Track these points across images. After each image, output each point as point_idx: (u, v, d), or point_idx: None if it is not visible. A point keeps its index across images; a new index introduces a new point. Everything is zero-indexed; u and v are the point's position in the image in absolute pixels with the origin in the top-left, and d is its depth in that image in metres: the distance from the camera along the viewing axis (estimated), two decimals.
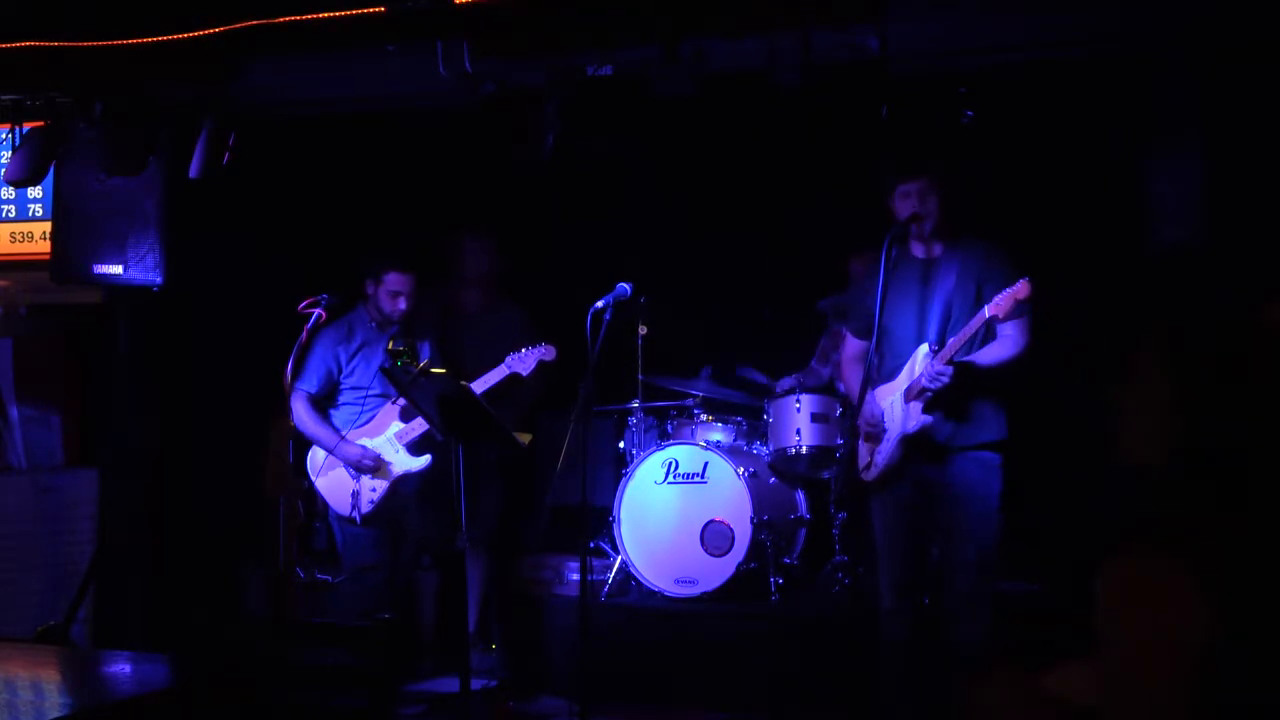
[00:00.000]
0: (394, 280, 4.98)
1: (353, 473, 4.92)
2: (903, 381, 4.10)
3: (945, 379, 3.93)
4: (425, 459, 4.93)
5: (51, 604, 5.64)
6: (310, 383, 4.98)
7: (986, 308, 3.88)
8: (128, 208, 5.08)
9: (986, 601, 4.07)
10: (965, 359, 3.99)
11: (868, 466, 4.22)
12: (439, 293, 5.49)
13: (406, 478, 4.93)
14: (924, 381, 3.97)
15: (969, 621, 4.02)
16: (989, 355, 4.03)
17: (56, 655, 3.60)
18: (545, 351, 4.98)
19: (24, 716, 2.39)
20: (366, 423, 4.99)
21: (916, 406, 4.03)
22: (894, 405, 4.12)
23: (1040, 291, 3.89)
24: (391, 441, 4.94)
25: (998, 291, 3.89)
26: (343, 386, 5.05)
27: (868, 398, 4.16)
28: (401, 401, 4.94)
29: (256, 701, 2.80)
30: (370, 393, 5.01)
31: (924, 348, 4.05)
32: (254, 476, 4.57)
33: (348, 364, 5.03)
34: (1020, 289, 3.82)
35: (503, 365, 4.93)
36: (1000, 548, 4.11)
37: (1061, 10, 4.37)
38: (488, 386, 4.87)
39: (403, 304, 4.98)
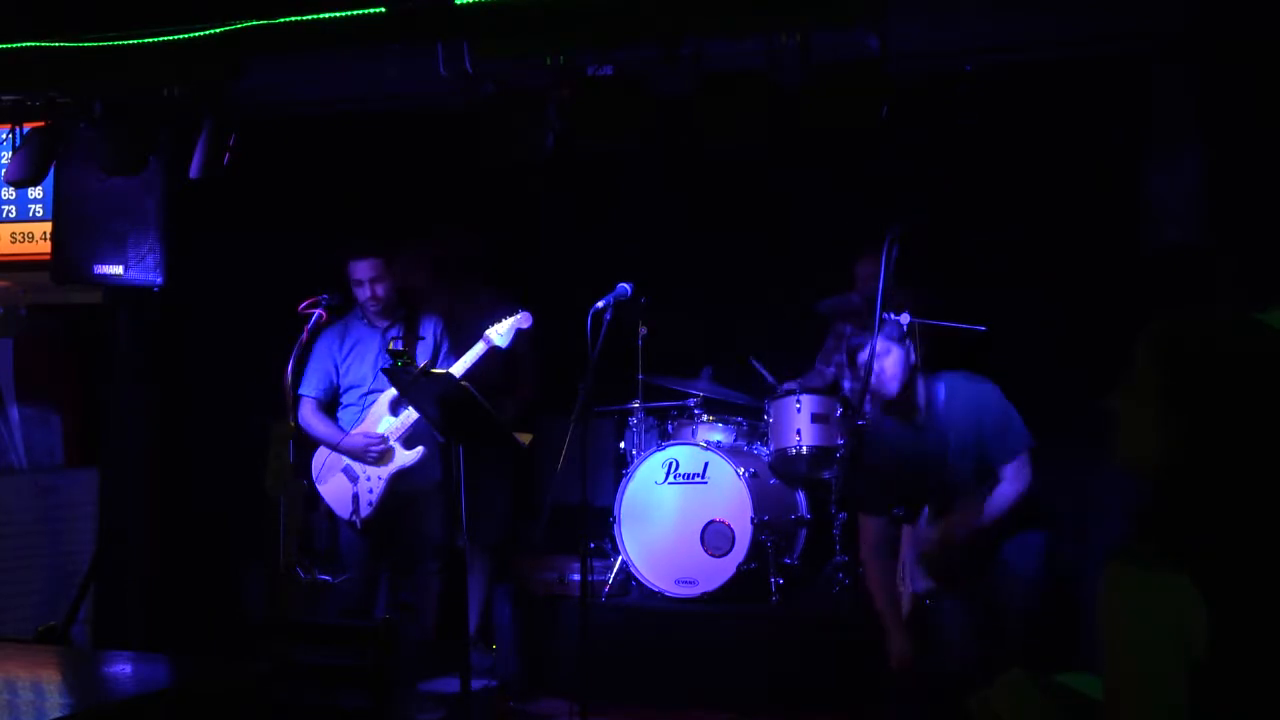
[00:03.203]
0: (353, 269, 4.90)
1: (351, 473, 4.92)
2: (916, 536, 4.07)
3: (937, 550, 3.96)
4: (419, 450, 4.92)
5: (51, 604, 5.65)
6: (311, 387, 4.98)
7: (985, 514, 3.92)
8: (128, 208, 5.09)
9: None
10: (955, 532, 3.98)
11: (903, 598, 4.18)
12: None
13: (403, 474, 4.92)
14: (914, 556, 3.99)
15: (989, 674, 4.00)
16: (992, 509, 4.00)
17: (56, 655, 3.60)
18: (522, 319, 4.86)
19: (24, 716, 2.39)
20: (360, 422, 4.99)
21: (921, 570, 4.01)
22: (908, 559, 4.09)
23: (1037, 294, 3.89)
24: (384, 437, 4.93)
25: (1000, 449, 3.95)
26: (342, 388, 5.04)
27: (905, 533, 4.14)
28: (391, 397, 4.93)
29: (256, 701, 2.81)
30: (365, 391, 5.00)
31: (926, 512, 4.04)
32: (254, 476, 4.57)
33: (343, 364, 5.01)
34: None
35: (480, 341, 4.83)
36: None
37: (1061, 10, 4.37)
38: (469, 366, 4.79)
39: (367, 291, 4.88)
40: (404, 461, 4.91)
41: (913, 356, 4.06)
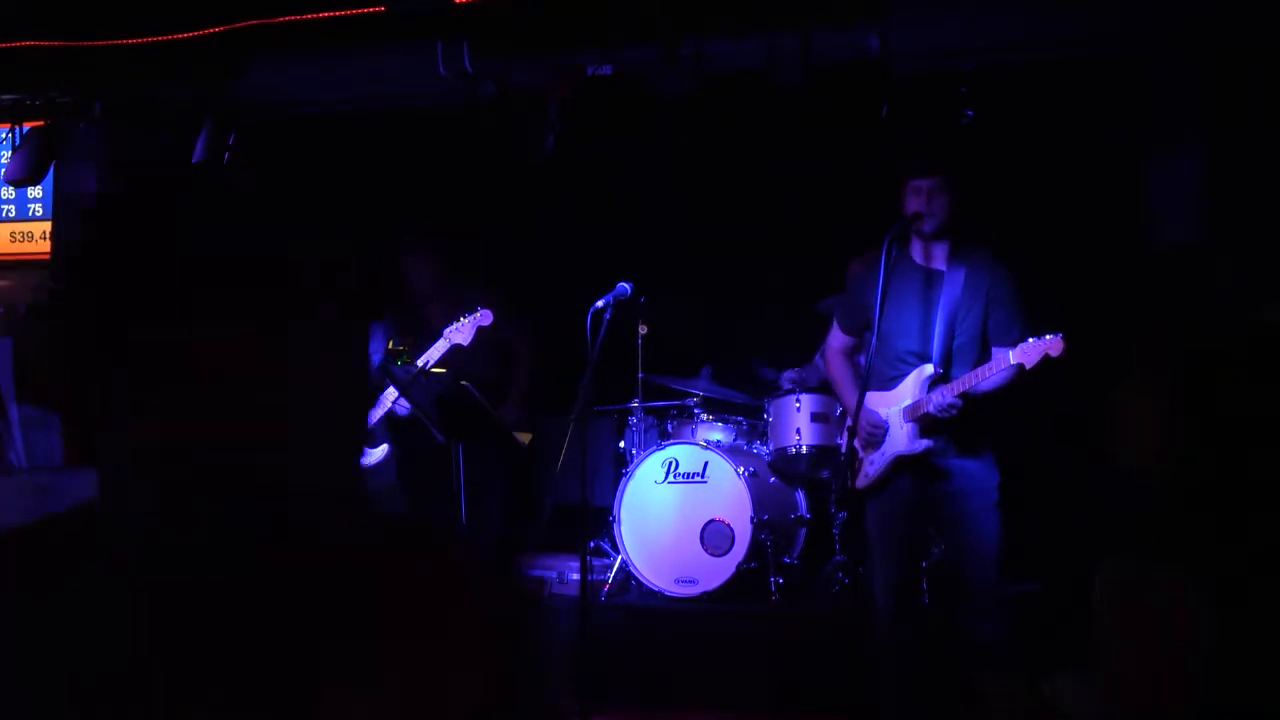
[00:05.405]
0: None
1: None
2: (901, 396, 4.04)
3: (955, 412, 3.87)
4: (383, 449, 4.93)
5: None
6: None
7: (1012, 353, 3.79)
8: None
9: (1003, 598, 4.04)
10: (971, 388, 3.93)
11: (858, 475, 4.19)
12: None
13: (365, 471, 4.93)
14: (930, 410, 3.91)
15: (990, 620, 3.99)
16: (992, 379, 3.97)
17: None
18: (482, 317, 4.82)
19: None
20: None
21: (914, 428, 3.99)
22: (891, 418, 4.08)
23: (1045, 298, 3.87)
24: None
25: (1006, 318, 3.87)
26: None
27: (864, 404, 4.13)
28: None
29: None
30: None
31: (927, 368, 3.99)
32: None
33: None
34: (1054, 346, 3.73)
35: (441, 339, 4.81)
36: (1002, 543, 4.09)
37: (1061, 10, 4.38)
38: (430, 363, 4.78)
39: None
40: (367, 460, 4.92)
41: None
